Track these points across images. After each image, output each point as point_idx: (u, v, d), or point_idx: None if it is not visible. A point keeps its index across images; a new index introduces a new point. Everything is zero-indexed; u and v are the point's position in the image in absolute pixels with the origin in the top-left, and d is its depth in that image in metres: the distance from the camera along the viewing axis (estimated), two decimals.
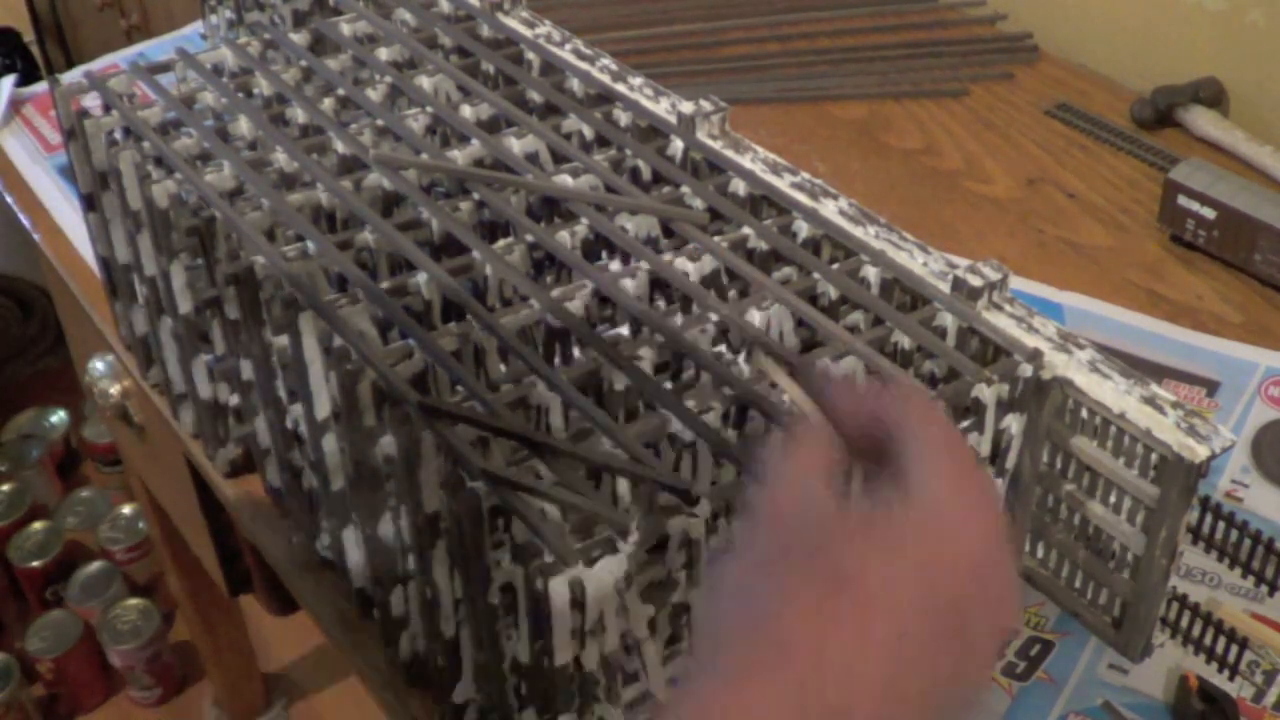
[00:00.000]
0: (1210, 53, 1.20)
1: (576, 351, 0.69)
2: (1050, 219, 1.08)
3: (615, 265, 0.73)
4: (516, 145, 0.81)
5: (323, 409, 0.68)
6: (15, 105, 1.26)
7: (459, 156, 0.80)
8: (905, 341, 0.68)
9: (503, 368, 0.68)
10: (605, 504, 0.56)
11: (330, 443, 0.69)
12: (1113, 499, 0.68)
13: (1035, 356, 0.67)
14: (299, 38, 0.92)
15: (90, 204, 0.87)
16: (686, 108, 0.82)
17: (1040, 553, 0.73)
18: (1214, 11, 1.18)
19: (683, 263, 0.71)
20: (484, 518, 0.57)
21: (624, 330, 0.70)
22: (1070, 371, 0.66)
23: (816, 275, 0.71)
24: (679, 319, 0.69)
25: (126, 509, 1.85)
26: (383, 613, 0.70)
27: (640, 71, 0.89)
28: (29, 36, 2.40)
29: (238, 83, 0.88)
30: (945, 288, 0.70)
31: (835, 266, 0.72)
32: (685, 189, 0.78)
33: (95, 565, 1.78)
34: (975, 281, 0.69)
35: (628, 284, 0.70)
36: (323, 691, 1.71)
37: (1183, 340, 0.94)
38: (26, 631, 1.71)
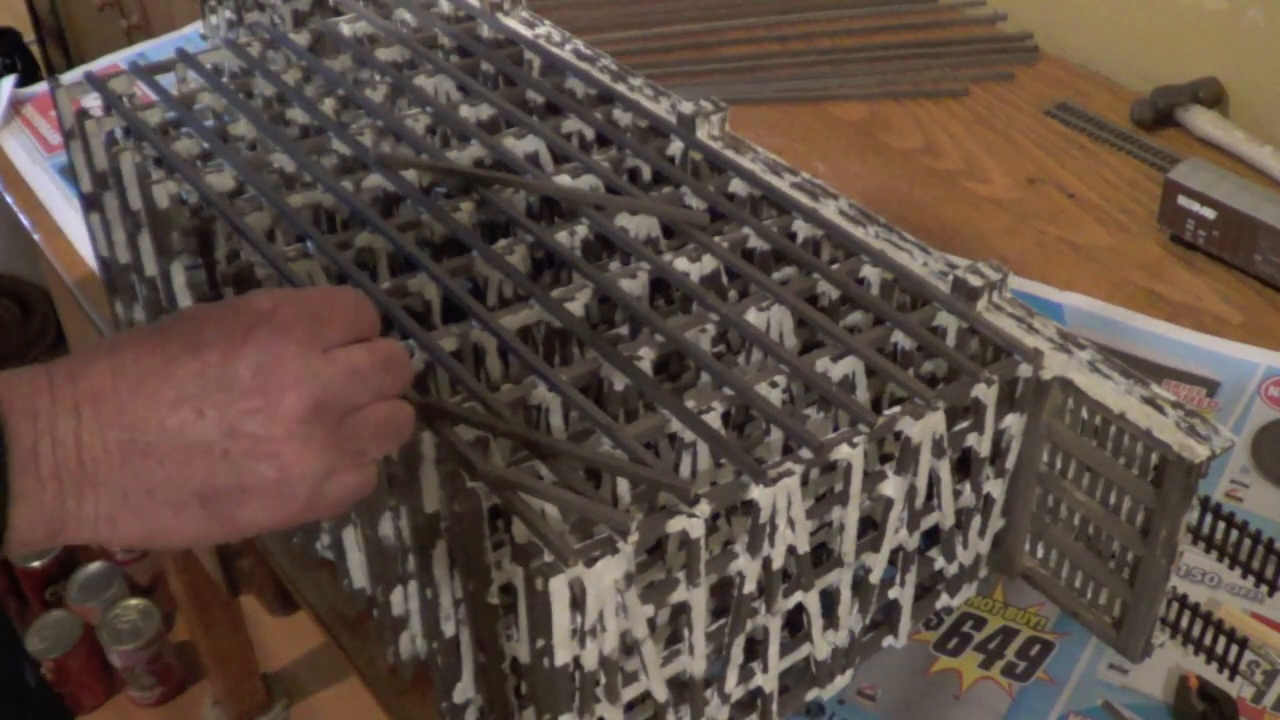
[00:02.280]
0: (1210, 53, 1.20)
1: (576, 351, 0.69)
2: (1050, 219, 1.08)
3: (615, 265, 0.73)
4: (517, 145, 0.81)
5: None
6: (15, 105, 1.26)
7: (459, 157, 0.80)
8: (905, 341, 0.68)
9: (503, 368, 0.68)
10: (605, 504, 0.56)
11: None
12: (1113, 499, 0.68)
13: (1035, 356, 0.67)
14: (299, 38, 0.92)
15: (90, 204, 0.88)
16: (686, 108, 0.82)
17: (1040, 553, 0.73)
18: (1214, 11, 1.18)
19: (683, 263, 0.71)
20: (484, 518, 0.57)
21: (624, 330, 0.70)
22: (1070, 371, 0.66)
23: (816, 275, 0.71)
24: (679, 319, 0.69)
25: None
26: (383, 613, 0.70)
27: (640, 71, 0.89)
28: (29, 36, 2.40)
29: (238, 83, 0.88)
30: (945, 288, 0.70)
31: (835, 266, 0.72)
32: (685, 189, 0.78)
33: (95, 565, 1.78)
34: (975, 281, 0.69)
35: (628, 284, 0.70)
36: (323, 691, 1.71)
37: (1183, 340, 0.94)
38: (27, 631, 1.71)
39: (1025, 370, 0.67)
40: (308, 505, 0.51)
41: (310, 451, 0.50)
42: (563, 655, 0.55)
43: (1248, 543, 0.72)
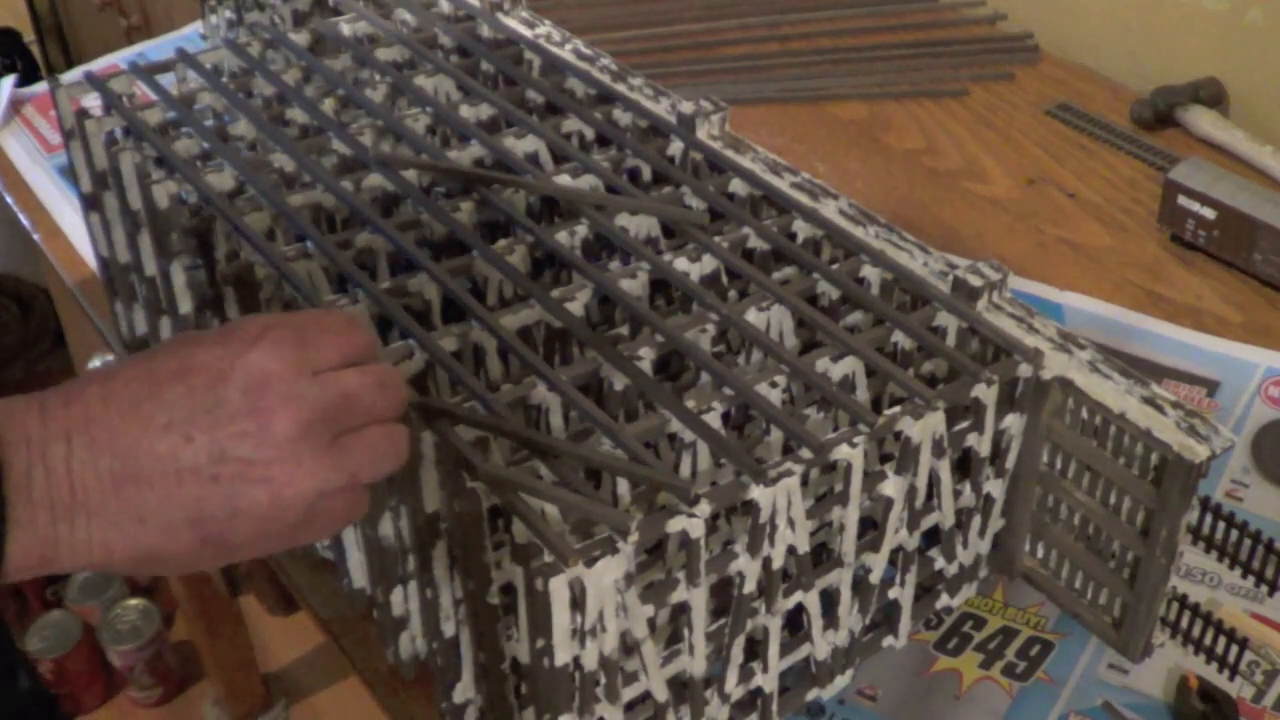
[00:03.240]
0: (1210, 53, 1.20)
1: (576, 351, 0.69)
2: (1050, 219, 1.08)
3: (615, 265, 0.73)
4: (517, 145, 0.81)
5: None
6: (15, 105, 1.26)
7: (459, 156, 0.80)
8: (905, 341, 0.68)
9: (503, 368, 0.68)
10: (605, 504, 0.56)
11: None
12: (1113, 499, 0.68)
13: (1035, 356, 0.67)
14: (299, 38, 0.92)
15: (90, 204, 0.88)
16: (686, 108, 0.82)
17: (1040, 553, 0.73)
18: (1214, 11, 1.18)
19: (683, 263, 0.71)
20: (484, 518, 0.57)
21: (624, 330, 0.70)
22: (1070, 371, 0.66)
23: (816, 275, 0.71)
24: (679, 319, 0.69)
25: None
26: (383, 613, 0.70)
27: (640, 71, 0.89)
28: (29, 36, 2.40)
29: (238, 83, 0.88)
30: (945, 288, 0.70)
31: (835, 266, 0.72)
32: (685, 189, 0.78)
33: None
34: (975, 281, 0.69)
35: (628, 284, 0.70)
36: (323, 691, 1.71)
37: (1183, 340, 0.94)
38: (26, 631, 1.71)
39: (1025, 370, 0.67)
40: (300, 527, 0.51)
41: (301, 473, 0.50)
42: (563, 655, 0.55)
43: (1248, 543, 0.72)
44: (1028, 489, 0.71)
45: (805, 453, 0.60)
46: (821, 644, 0.67)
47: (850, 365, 0.66)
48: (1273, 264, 0.98)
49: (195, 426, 0.49)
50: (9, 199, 1.17)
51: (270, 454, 0.49)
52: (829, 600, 0.66)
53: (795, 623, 0.66)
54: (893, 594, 0.69)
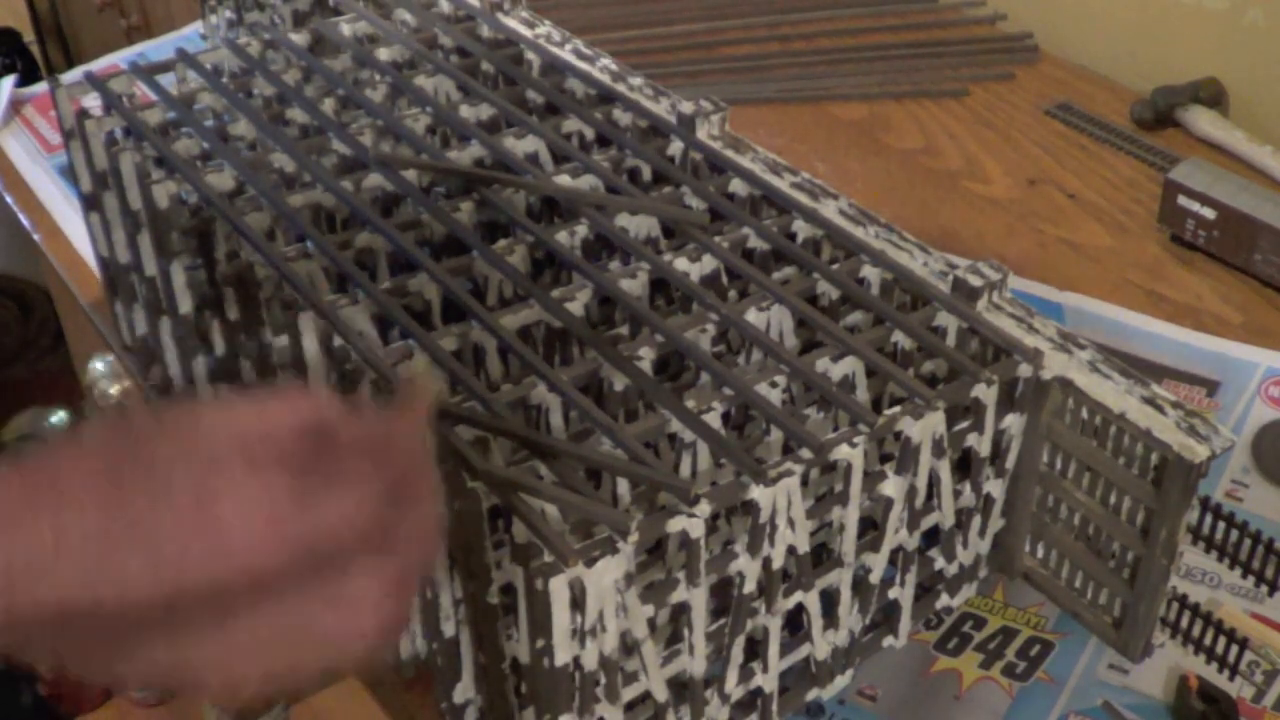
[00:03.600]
0: (1210, 53, 1.20)
1: (576, 351, 0.69)
2: (1050, 219, 1.08)
3: (615, 265, 0.73)
4: (517, 145, 0.81)
5: None
6: (15, 105, 1.26)
7: (459, 157, 0.80)
8: (905, 341, 0.68)
9: (503, 368, 0.68)
10: (605, 504, 0.56)
11: None
12: (1113, 499, 0.68)
13: (1035, 356, 0.67)
14: (299, 38, 0.92)
15: (90, 204, 0.88)
16: (686, 108, 0.82)
17: (1040, 553, 0.73)
18: (1214, 11, 1.18)
19: (683, 263, 0.71)
20: (484, 518, 0.57)
21: (624, 330, 0.70)
22: (1070, 371, 0.66)
23: (816, 275, 0.71)
24: (679, 319, 0.69)
25: None
26: None
27: (640, 71, 0.89)
28: (29, 36, 2.41)
29: (238, 83, 0.88)
30: (945, 288, 0.70)
31: (835, 266, 0.72)
32: (685, 189, 0.78)
33: None
34: (975, 281, 0.69)
35: (628, 284, 0.70)
36: (323, 691, 1.70)
37: (1183, 340, 0.94)
38: None
39: (1025, 370, 0.67)
40: None
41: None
42: (563, 655, 0.55)
43: (1248, 543, 0.72)
44: (1028, 489, 0.71)
45: (805, 453, 0.60)
46: (821, 644, 0.67)
47: (850, 365, 0.66)
48: (1273, 264, 0.98)
49: (148, 628, 0.43)
50: (9, 199, 1.17)
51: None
52: (829, 600, 0.66)
53: (795, 623, 0.66)
54: (893, 594, 0.70)
